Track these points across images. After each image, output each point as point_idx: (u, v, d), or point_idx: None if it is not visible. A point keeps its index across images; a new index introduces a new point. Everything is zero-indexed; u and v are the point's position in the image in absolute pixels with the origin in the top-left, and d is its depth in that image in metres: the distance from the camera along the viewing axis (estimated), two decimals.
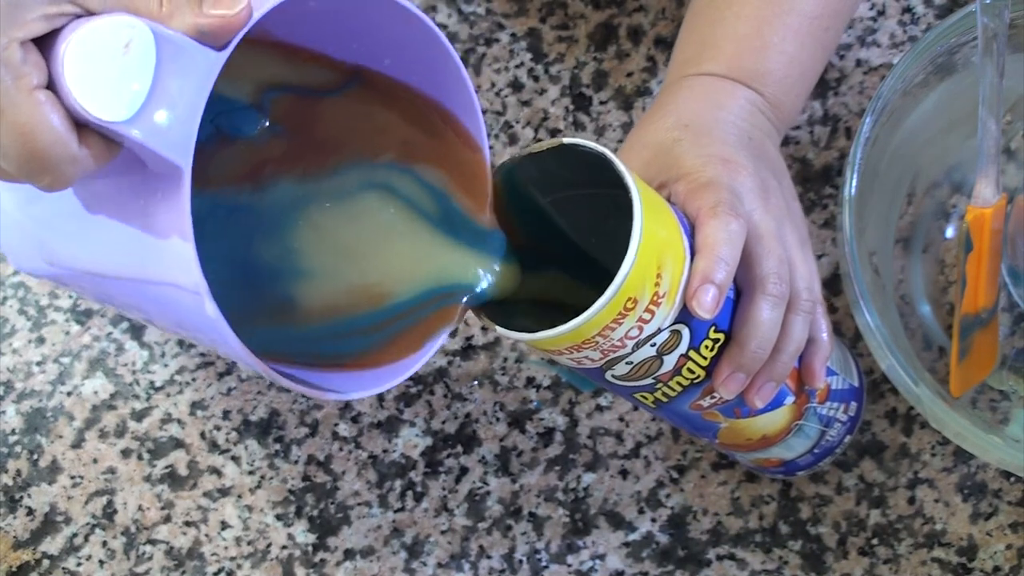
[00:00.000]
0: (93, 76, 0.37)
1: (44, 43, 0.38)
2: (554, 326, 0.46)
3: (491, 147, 0.72)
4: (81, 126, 0.38)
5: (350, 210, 0.49)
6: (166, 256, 0.40)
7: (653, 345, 0.49)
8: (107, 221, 0.44)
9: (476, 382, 0.69)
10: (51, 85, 0.38)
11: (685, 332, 0.49)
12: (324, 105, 0.49)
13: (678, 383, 0.52)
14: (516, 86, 0.72)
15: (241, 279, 0.43)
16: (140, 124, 0.38)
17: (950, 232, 0.67)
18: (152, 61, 0.38)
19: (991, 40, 0.59)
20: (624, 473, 0.68)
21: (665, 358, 0.50)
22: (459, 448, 0.69)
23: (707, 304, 0.48)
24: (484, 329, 0.70)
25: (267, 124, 0.48)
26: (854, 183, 0.59)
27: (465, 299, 0.48)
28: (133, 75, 0.38)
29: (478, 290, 0.49)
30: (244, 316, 0.41)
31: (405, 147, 0.49)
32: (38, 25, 0.37)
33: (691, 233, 0.50)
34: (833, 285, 0.68)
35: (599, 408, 0.68)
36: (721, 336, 0.51)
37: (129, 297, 0.47)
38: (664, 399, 0.53)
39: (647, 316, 0.47)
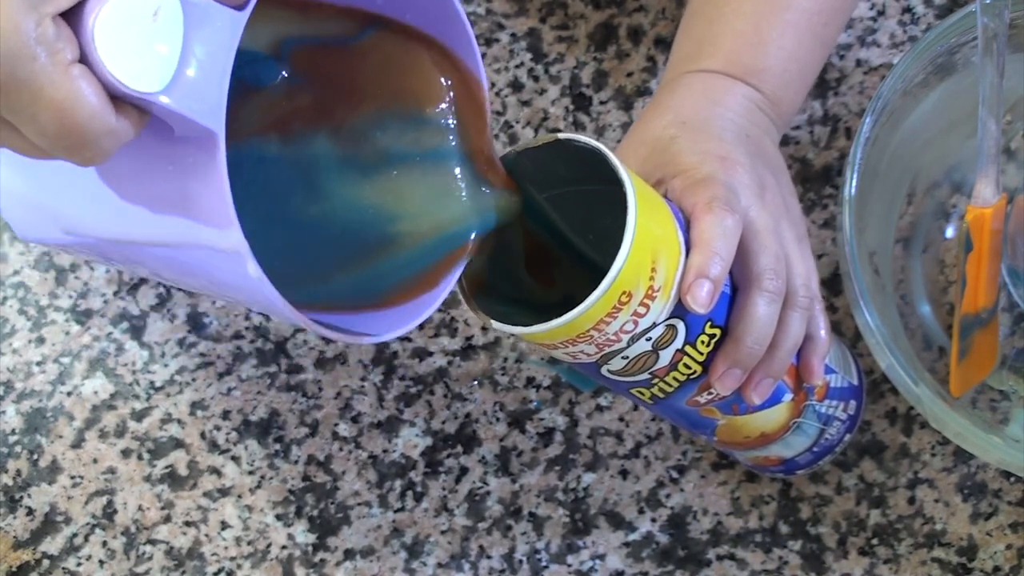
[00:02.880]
0: (125, 47, 0.37)
1: (69, 16, 0.37)
2: (550, 320, 0.46)
3: None
4: (114, 97, 0.38)
5: (375, 158, 0.49)
6: (203, 221, 0.40)
7: (649, 340, 0.49)
8: (135, 189, 0.43)
9: (476, 382, 0.69)
10: (82, 58, 0.37)
11: (681, 327, 0.49)
12: (342, 54, 0.49)
13: (674, 379, 0.52)
14: (516, 86, 0.72)
15: (270, 230, 0.42)
16: (173, 92, 0.38)
17: (950, 232, 0.67)
18: (180, 27, 0.37)
19: (991, 40, 0.59)
20: (624, 473, 0.68)
21: (661, 353, 0.50)
22: (459, 448, 0.69)
23: (702, 299, 0.48)
24: (484, 329, 0.70)
25: (287, 74, 0.48)
26: (854, 183, 0.59)
27: (475, 233, 0.48)
28: (163, 43, 0.37)
29: (487, 221, 0.48)
30: (275, 268, 0.41)
31: (417, 89, 0.49)
32: None
33: (687, 229, 0.50)
34: (833, 285, 0.68)
35: (599, 408, 0.68)
36: (718, 332, 0.51)
37: (160, 262, 0.46)
38: (661, 395, 0.53)
39: (642, 310, 0.47)
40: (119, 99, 0.38)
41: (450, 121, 0.49)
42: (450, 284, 0.48)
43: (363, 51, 0.49)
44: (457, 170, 0.49)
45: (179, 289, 0.71)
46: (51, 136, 0.38)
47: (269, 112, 0.48)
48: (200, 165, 0.39)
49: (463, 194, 0.49)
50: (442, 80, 0.49)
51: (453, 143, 0.49)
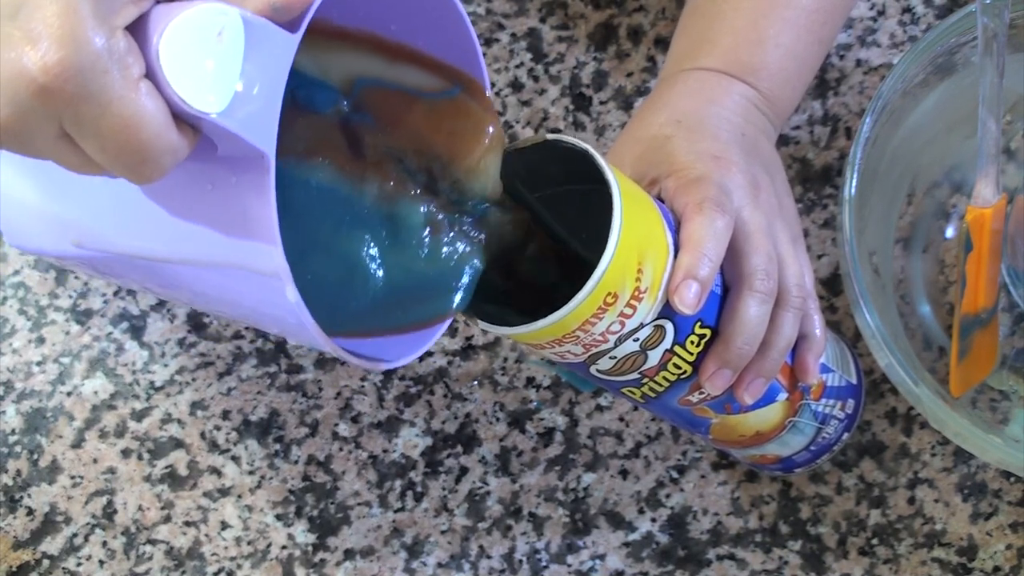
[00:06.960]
0: (188, 65, 0.36)
1: (132, 30, 0.37)
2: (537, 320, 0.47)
3: None
4: (173, 115, 0.37)
5: (418, 217, 0.48)
6: (243, 242, 0.40)
7: (636, 340, 0.49)
8: (169, 206, 0.43)
9: (476, 382, 0.69)
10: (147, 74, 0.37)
11: (669, 327, 0.49)
12: (417, 105, 0.48)
13: (664, 378, 0.52)
14: (516, 86, 0.72)
15: (291, 250, 0.42)
16: (231, 113, 0.37)
17: (950, 232, 0.67)
18: (241, 48, 0.37)
19: (991, 40, 0.59)
20: (624, 473, 0.68)
21: (649, 353, 0.50)
22: (459, 448, 0.69)
23: (689, 299, 0.48)
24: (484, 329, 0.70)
25: (347, 107, 0.48)
26: (854, 183, 0.59)
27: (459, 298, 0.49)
28: (225, 63, 0.37)
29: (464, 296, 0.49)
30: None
31: (483, 168, 0.49)
32: (130, 11, 0.36)
33: (676, 229, 0.50)
34: (833, 285, 0.68)
35: (599, 408, 0.68)
36: (708, 332, 0.51)
37: (181, 280, 0.46)
38: (652, 394, 0.53)
39: (628, 311, 0.47)
40: (177, 117, 0.37)
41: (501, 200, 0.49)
42: (440, 331, 0.48)
43: (440, 109, 0.48)
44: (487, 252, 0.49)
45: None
46: (111, 152, 0.37)
47: (318, 138, 0.47)
48: (244, 186, 0.39)
49: (474, 271, 0.49)
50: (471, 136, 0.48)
51: (499, 219, 0.49)
